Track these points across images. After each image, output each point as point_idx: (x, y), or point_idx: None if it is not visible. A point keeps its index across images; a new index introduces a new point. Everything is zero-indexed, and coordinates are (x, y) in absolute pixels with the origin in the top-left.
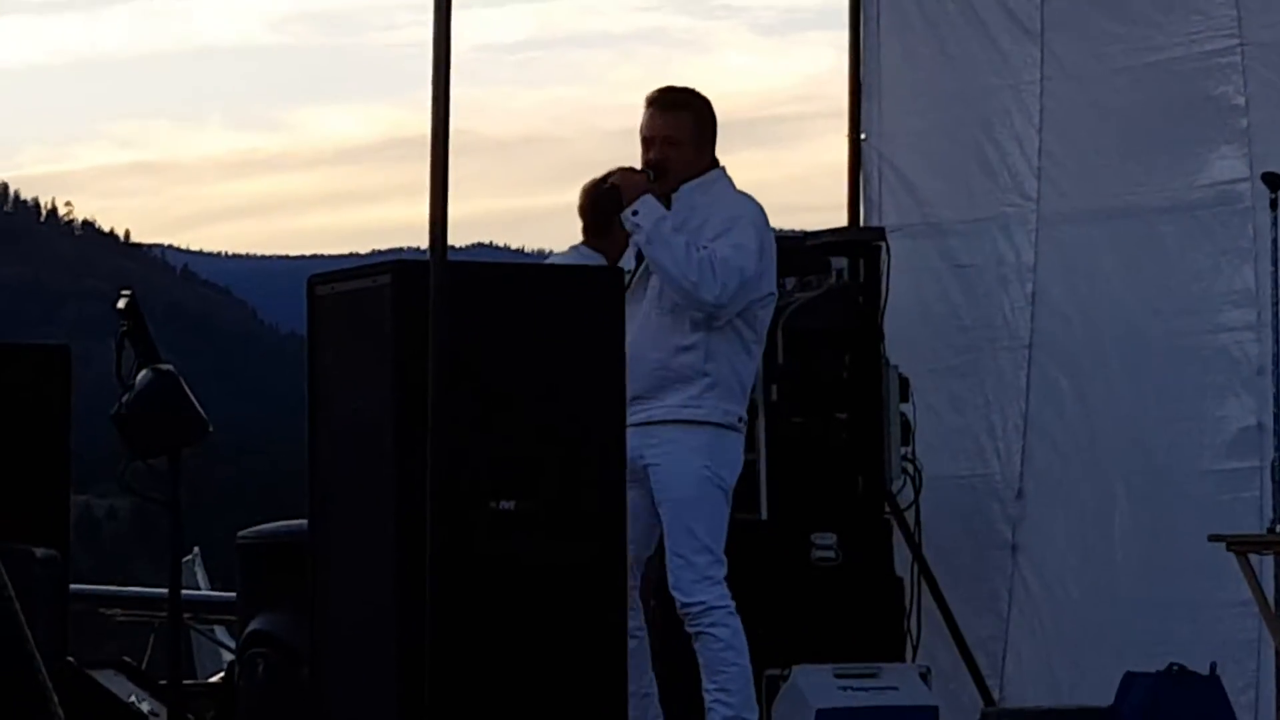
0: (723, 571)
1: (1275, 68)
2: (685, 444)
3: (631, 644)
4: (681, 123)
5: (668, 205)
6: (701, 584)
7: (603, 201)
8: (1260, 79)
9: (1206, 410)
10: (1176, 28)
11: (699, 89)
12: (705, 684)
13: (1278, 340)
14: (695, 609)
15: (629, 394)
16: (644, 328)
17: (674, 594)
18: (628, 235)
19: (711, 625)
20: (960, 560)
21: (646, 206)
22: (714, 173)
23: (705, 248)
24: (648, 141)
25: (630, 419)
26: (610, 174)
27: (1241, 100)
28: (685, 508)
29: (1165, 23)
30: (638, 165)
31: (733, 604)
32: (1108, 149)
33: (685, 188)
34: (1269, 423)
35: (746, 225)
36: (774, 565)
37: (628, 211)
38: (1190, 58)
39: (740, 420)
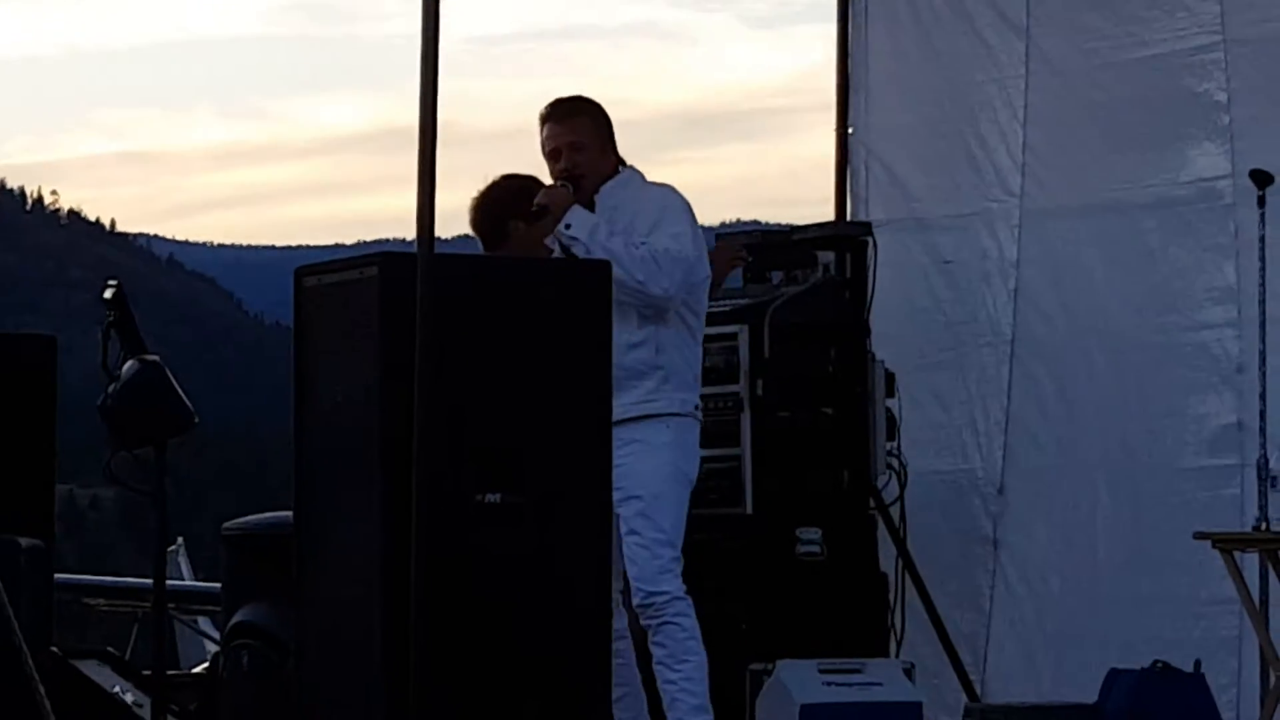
0: (681, 565)
1: (1258, 64)
2: (650, 440)
3: (620, 644)
4: (581, 127)
5: (591, 210)
6: (666, 575)
7: (534, 222)
8: (1243, 76)
9: (1187, 407)
10: (1162, 24)
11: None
12: (666, 674)
13: (1264, 338)
14: (661, 599)
15: None
16: None
17: (637, 585)
18: (533, 240)
19: (676, 615)
20: (943, 556)
21: (577, 218)
22: (626, 171)
23: (643, 243)
24: (554, 153)
25: None
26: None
27: (1224, 97)
28: (652, 502)
29: (1150, 19)
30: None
31: (688, 598)
32: (1092, 144)
33: (604, 189)
34: (1249, 421)
35: (677, 213)
36: (759, 560)
37: (560, 227)
38: (1174, 54)
39: (697, 408)
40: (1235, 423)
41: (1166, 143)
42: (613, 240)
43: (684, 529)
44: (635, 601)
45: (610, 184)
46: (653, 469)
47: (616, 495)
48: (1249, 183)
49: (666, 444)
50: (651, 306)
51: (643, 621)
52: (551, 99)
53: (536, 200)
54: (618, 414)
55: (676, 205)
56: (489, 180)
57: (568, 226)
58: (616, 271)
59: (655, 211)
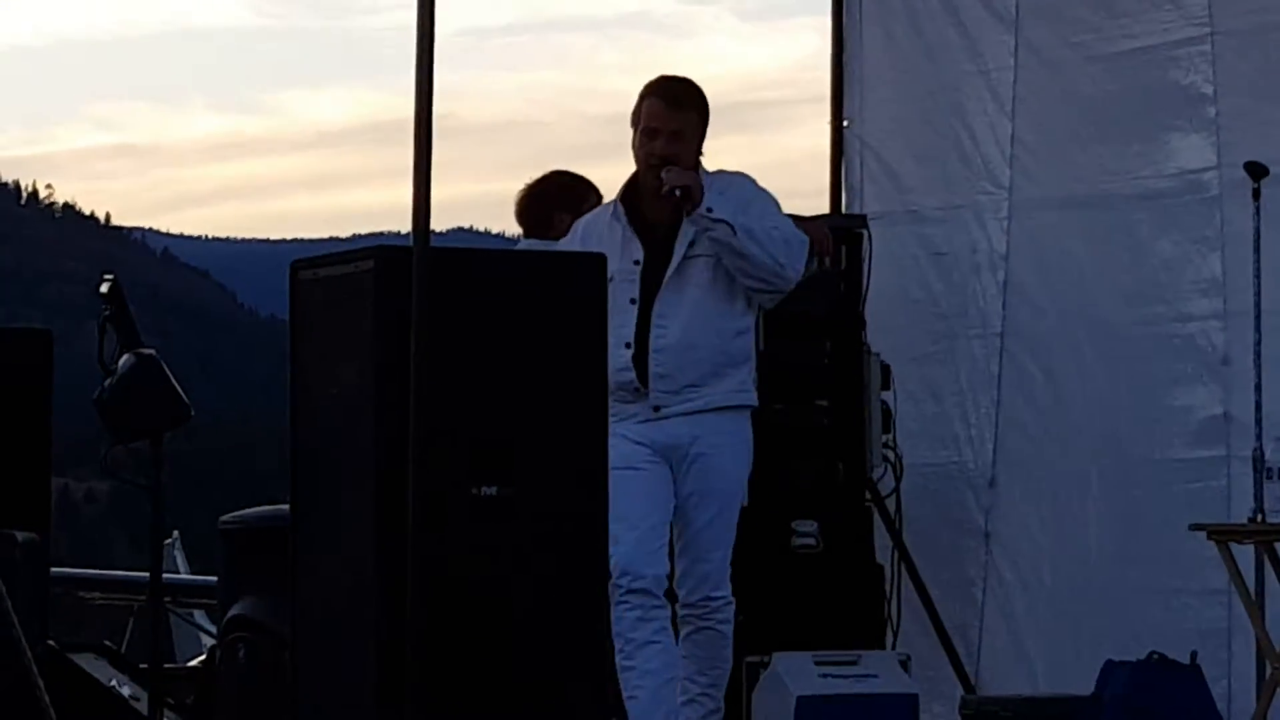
0: None
1: (1246, 56)
2: (738, 434)
3: (666, 640)
4: (688, 121)
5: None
6: (727, 579)
7: (671, 202)
8: (1230, 68)
9: (1174, 399)
10: (1149, 16)
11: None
12: (694, 676)
13: (1259, 327)
14: (718, 603)
15: (680, 383)
16: (696, 315)
17: (701, 584)
18: (568, 227)
19: (723, 622)
20: (936, 548)
21: (716, 200)
22: (699, 162)
23: (774, 227)
24: (651, 132)
25: (678, 407)
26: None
27: (1210, 89)
28: (732, 501)
29: (1138, 11)
30: (625, 150)
31: None
32: (1079, 137)
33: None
34: (1235, 413)
35: (772, 200)
36: (755, 552)
37: (702, 210)
38: (1162, 46)
39: None
40: (1221, 414)
41: (1153, 135)
42: (752, 223)
43: None
44: (690, 598)
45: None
46: (739, 469)
47: (699, 487)
48: (1235, 175)
49: (748, 441)
50: (773, 291)
51: (684, 614)
52: (665, 76)
53: (671, 182)
54: (716, 400)
55: (767, 193)
56: (540, 174)
57: (710, 210)
58: (759, 255)
59: (758, 198)
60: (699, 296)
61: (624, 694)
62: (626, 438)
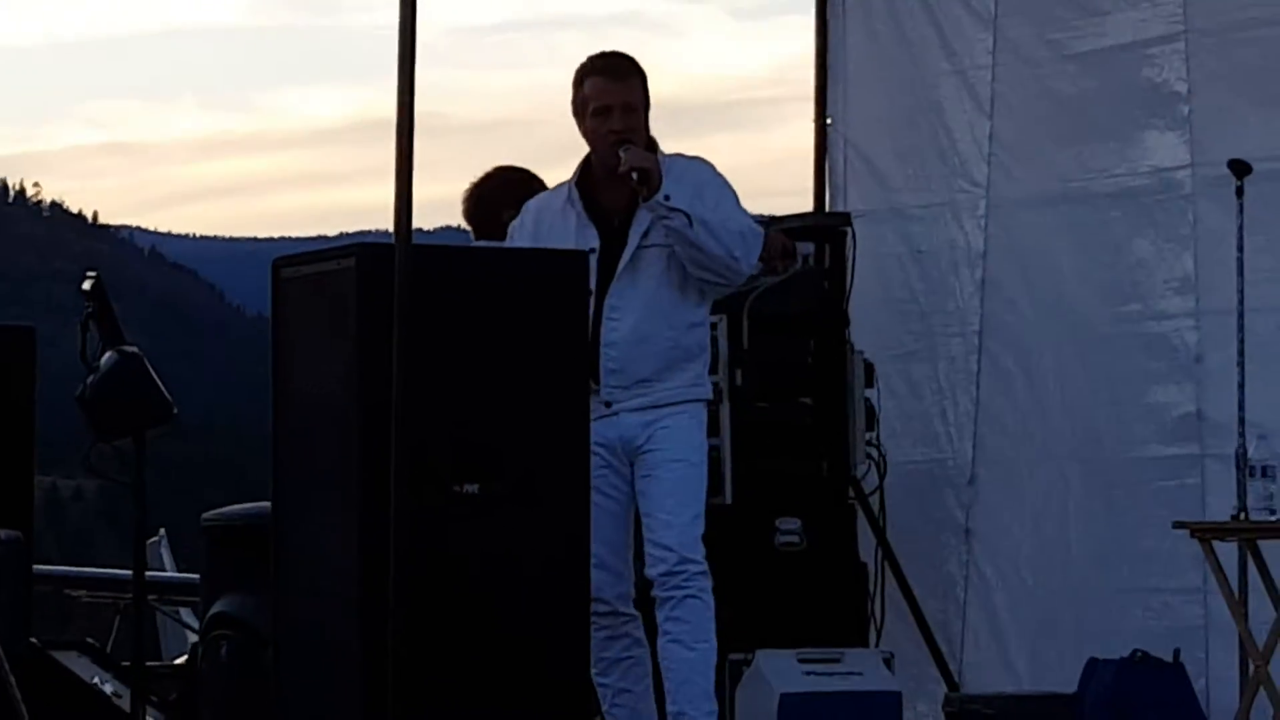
0: None
1: (1220, 54)
2: (694, 420)
3: (638, 652)
4: (635, 89)
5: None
6: (699, 545)
7: (629, 187)
8: (1202, 66)
9: (1149, 397)
10: (1124, 14)
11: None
12: (680, 652)
13: (1242, 325)
14: (693, 568)
15: (633, 377)
16: (651, 307)
17: (670, 549)
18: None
19: (701, 590)
20: (918, 546)
21: (672, 189)
22: (652, 139)
23: (730, 219)
24: (604, 111)
25: (629, 403)
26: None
27: (1184, 87)
28: (696, 469)
29: (1114, 9)
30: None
31: None
32: (1057, 134)
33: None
34: (1208, 411)
35: (729, 189)
36: (738, 550)
37: (659, 197)
38: (1136, 44)
39: None
40: (1194, 412)
41: (1128, 133)
42: (708, 214)
43: None
44: (659, 569)
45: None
46: (698, 441)
47: (656, 456)
48: (1208, 173)
49: (701, 426)
50: (733, 283)
51: (661, 593)
52: (599, 53)
53: (630, 163)
54: (668, 395)
55: (725, 180)
56: (484, 171)
57: (667, 197)
58: (714, 247)
59: (714, 186)
60: (653, 288)
61: (603, 707)
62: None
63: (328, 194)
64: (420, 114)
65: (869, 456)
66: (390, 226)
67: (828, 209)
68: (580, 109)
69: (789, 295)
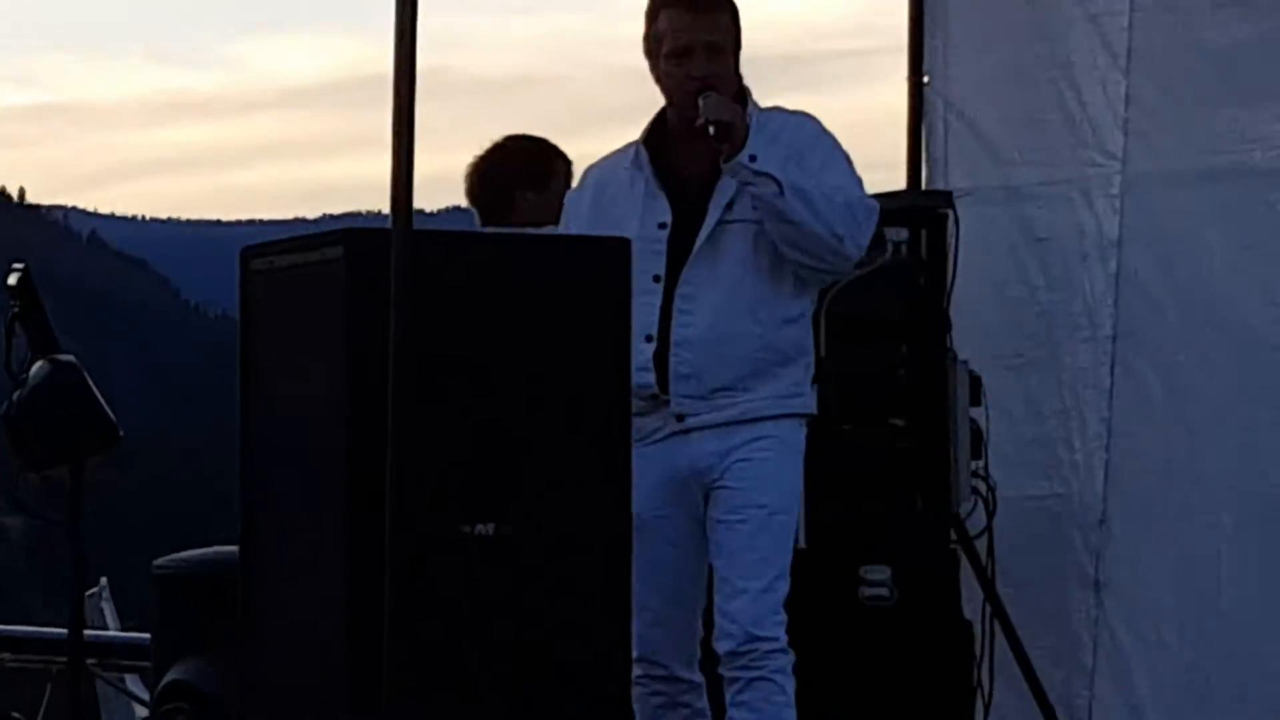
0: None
1: None
2: (788, 440)
3: None
4: (723, 26)
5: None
6: (775, 617)
7: (715, 143)
8: None
9: None
10: None
11: None
12: None
13: None
14: (766, 645)
15: (710, 385)
16: (734, 297)
17: (738, 623)
18: (547, 207)
19: (776, 671)
20: (1036, 600)
21: (760, 149)
22: (744, 88)
23: (836, 188)
24: (684, 51)
25: (707, 416)
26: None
27: None
28: (779, 517)
29: None
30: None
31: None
32: (1210, 97)
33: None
34: None
35: (841, 153)
36: (816, 604)
37: (743, 157)
38: None
39: None
40: None
41: None
42: (807, 182)
43: None
44: (725, 646)
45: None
46: (789, 476)
47: (732, 498)
48: None
49: (801, 453)
50: (828, 270)
51: (727, 672)
52: None
53: (708, 114)
54: (756, 409)
55: (833, 139)
56: (492, 141)
57: (753, 158)
58: (813, 222)
59: (820, 148)
60: (737, 273)
61: None
62: (643, 470)
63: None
64: (422, 69)
65: (975, 490)
66: (385, 207)
67: (924, 187)
68: (653, 49)
69: (877, 293)
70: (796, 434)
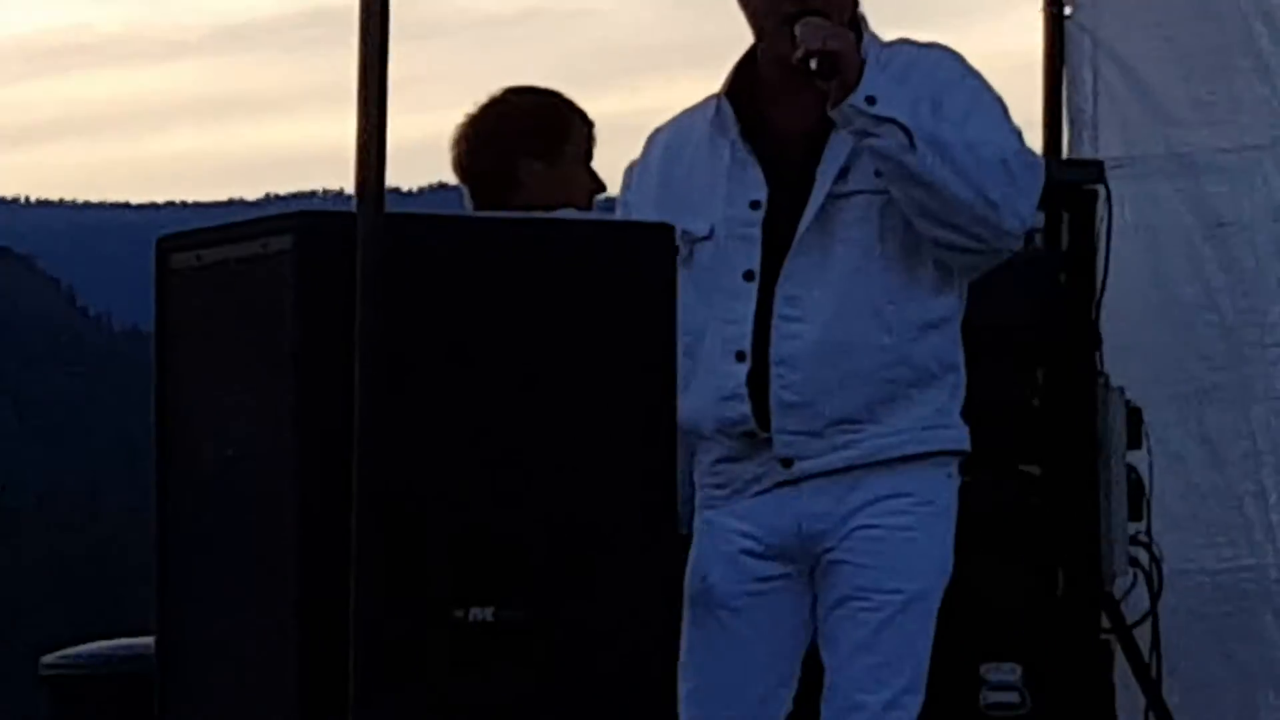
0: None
1: None
2: (935, 501)
3: None
4: None
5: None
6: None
7: (819, 80)
8: None
9: None
10: None
11: None
12: None
13: None
14: None
15: (827, 417)
16: (855, 297)
17: None
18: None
19: None
20: (1213, 705)
21: (883, 89)
22: (859, 14)
23: (987, 141)
24: None
25: (824, 459)
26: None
27: None
28: (916, 611)
29: None
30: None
31: None
32: None
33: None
34: None
35: (989, 93)
36: (929, 711)
37: (857, 99)
38: None
39: None
40: None
41: None
42: (942, 129)
43: None
44: None
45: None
46: (934, 549)
47: (853, 576)
48: None
49: (950, 508)
50: (981, 250)
51: None
52: None
53: (806, 42)
54: (883, 446)
55: (982, 82)
56: (488, 96)
57: (870, 100)
58: (957, 186)
59: (962, 89)
60: (858, 263)
61: None
62: (727, 533)
63: (247, 133)
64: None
65: (1135, 561)
66: (349, 186)
67: (1066, 154)
68: None
69: (1001, 295)
70: (945, 485)
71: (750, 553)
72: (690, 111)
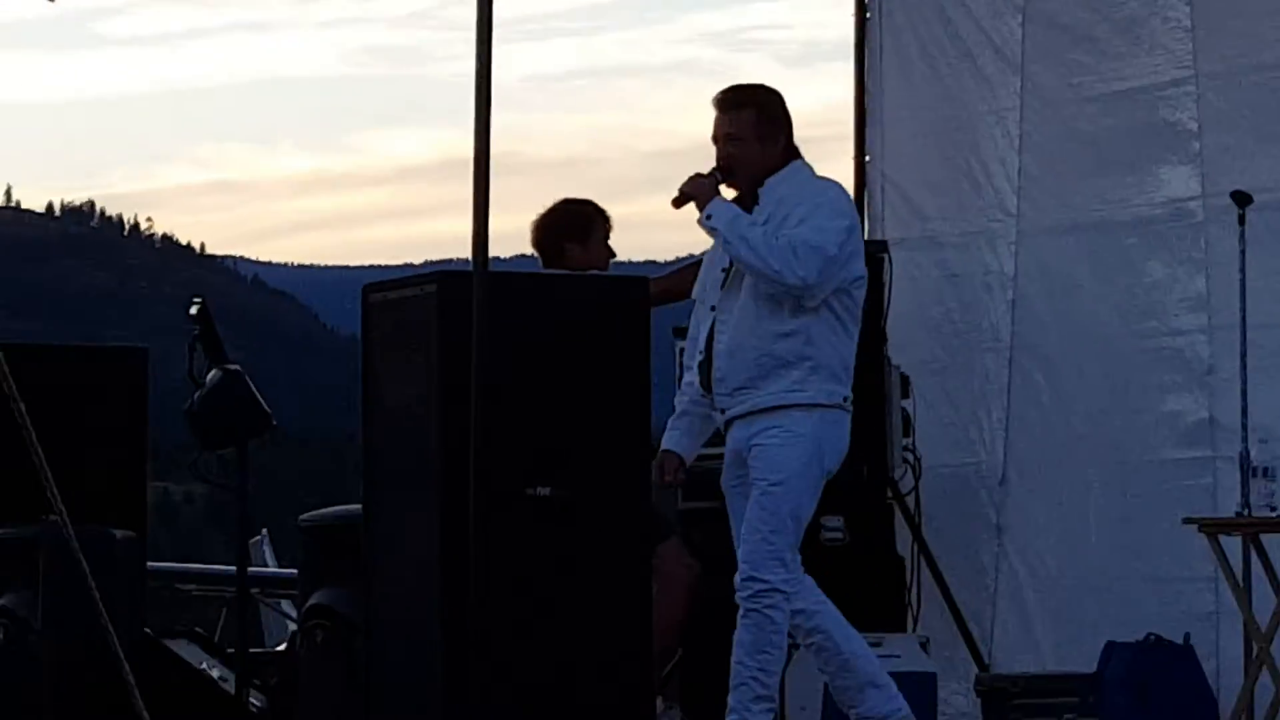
0: (796, 557)
1: (1226, 96)
2: (792, 429)
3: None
4: (742, 120)
5: (751, 203)
6: (771, 562)
7: (677, 207)
8: (1212, 106)
9: (1165, 405)
10: (1140, 60)
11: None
12: (743, 658)
13: (1244, 339)
14: (758, 586)
15: (731, 386)
16: (743, 319)
17: (741, 564)
18: (597, 253)
19: (769, 607)
20: (953, 540)
21: (717, 208)
22: (794, 164)
23: (783, 235)
24: (715, 140)
25: (733, 410)
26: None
27: (1195, 125)
28: (776, 487)
29: (1130, 55)
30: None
31: (790, 591)
32: (1079, 169)
33: (770, 182)
34: (1220, 417)
35: (827, 209)
36: None
37: (701, 217)
38: (1151, 87)
39: (846, 400)
40: (1207, 419)
41: (1145, 167)
42: (752, 230)
43: (807, 520)
44: (737, 578)
45: (776, 177)
46: (786, 456)
47: (749, 477)
48: (1218, 203)
49: (806, 434)
50: (792, 295)
51: (737, 598)
52: (727, 86)
53: (681, 188)
54: (764, 401)
55: (829, 202)
56: (550, 204)
57: (708, 217)
58: (753, 261)
59: (809, 208)
60: (746, 301)
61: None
62: (725, 451)
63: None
64: (496, 153)
65: (905, 460)
66: (469, 255)
67: (867, 237)
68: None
69: None
70: (804, 421)
71: (729, 464)
72: None
